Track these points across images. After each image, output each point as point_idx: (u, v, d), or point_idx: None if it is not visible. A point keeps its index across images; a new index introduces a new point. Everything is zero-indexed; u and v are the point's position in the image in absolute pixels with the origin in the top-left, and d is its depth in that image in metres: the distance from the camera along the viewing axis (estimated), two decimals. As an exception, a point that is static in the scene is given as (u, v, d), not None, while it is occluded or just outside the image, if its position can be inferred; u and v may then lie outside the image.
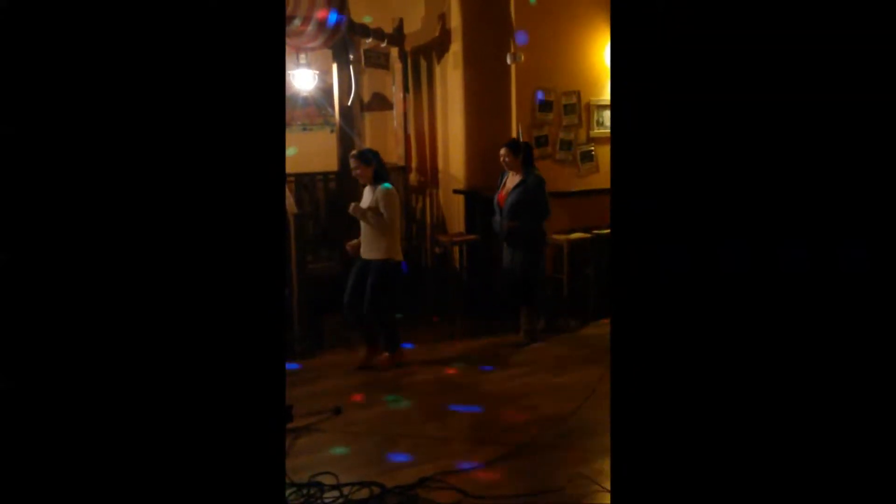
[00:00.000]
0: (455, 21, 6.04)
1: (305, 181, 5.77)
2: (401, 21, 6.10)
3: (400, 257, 4.73)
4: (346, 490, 3.05)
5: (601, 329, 5.48)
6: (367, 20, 5.86)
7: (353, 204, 4.62)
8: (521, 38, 5.81)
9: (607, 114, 6.21)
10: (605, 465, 3.26)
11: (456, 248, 6.10)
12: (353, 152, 4.80)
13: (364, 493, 3.04)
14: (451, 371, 4.69)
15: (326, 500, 3.00)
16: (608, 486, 3.03)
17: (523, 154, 5.10)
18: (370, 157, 4.64)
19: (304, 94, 6.11)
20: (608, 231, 5.84)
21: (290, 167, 4.67)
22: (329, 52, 5.63)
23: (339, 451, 3.52)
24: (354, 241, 4.77)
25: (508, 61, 5.83)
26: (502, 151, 5.11)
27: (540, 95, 5.92)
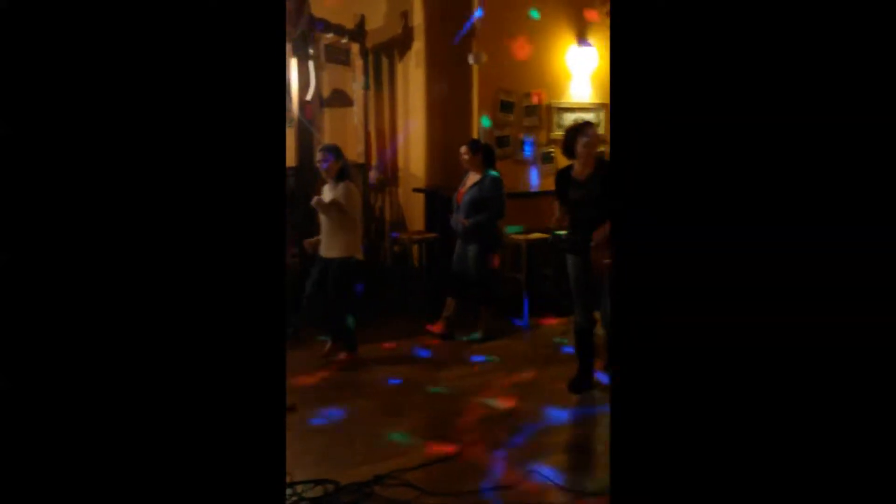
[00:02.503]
0: (417, 19, 6.03)
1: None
2: (362, 17, 6.07)
3: (360, 255, 4.68)
4: (299, 488, 3.01)
5: (559, 327, 5.53)
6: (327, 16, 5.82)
7: (316, 197, 4.56)
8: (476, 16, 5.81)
9: (567, 116, 6.28)
10: (560, 460, 3.29)
11: (415, 247, 6.09)
12: (324, 145, 4.75)
13: (318, 491, 3.00)
14: (409, 368, 4.68)
15: (279, 498, 2.96)
16: (562, 482, 3.06)
17: (482, 153, 5.13)
18: (341, 153, 4.61)
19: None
20: (565, 232, 5.90)
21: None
22: (289, 46, 5.56)
23: (295, 446, 3.47)
24: (313, 239, 4.72)
25: (470, 61, 5.85)
26: (462, 150, 5.13)
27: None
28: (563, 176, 4.11)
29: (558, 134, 6.23)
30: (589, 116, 6.41)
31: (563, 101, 6.27)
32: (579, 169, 4.02)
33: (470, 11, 5.89)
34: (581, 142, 3.92)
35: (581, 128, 4.00)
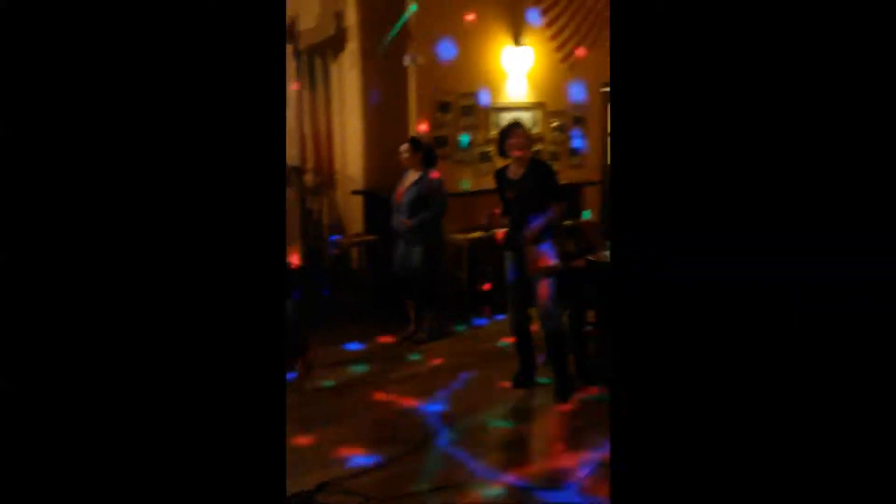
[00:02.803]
0: (351, 20, 5.98)
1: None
2: (294, 18, 5.98)
3: (295, 264, 4.57)
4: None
5: (499, 326, 5.57)
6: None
7: None
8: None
9: (504, 115, 6.33)
10: (500, 458, 3.31)
11: (355, 250, 6.04)
12: None
13: (259, 503, 2.94)
14: (349, 371, 4.63)
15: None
16: (503, 479, 3.08)
17: (423, 152, 5.11)
18: None
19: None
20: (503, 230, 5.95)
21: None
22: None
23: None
24: None
25: (406, 62, 5.83)
26: (402, 148, 5.10)
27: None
28: (500, 176, 4.16)
29: (496, 134, 6.27)
30: (526, 115, 6.48)
31: (499, 100, 6.31)
32: (514, 168, 4.07)
33: (404, 14, 5.87)
34: (509, 143, 3.98)
35: (510, 129, 4.07)
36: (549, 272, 3.92)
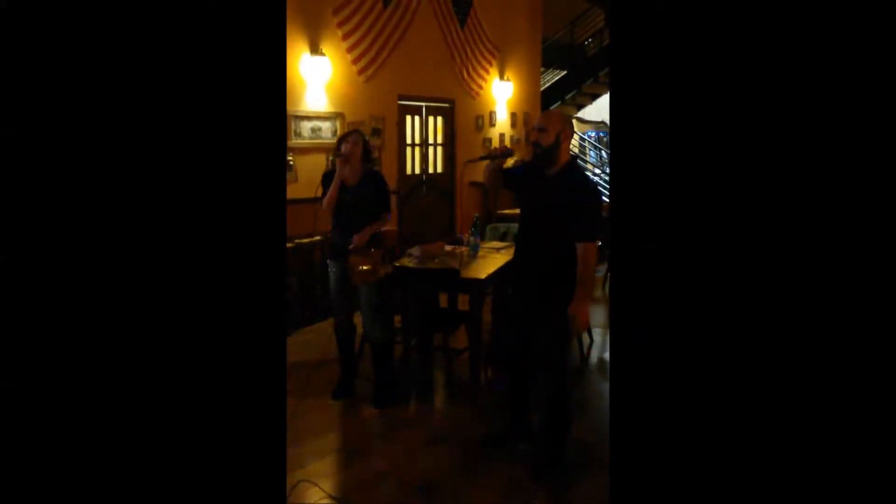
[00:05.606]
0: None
1: None
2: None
3: None
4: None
5: (305, 336, 5.56)
6: None
7: None
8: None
9: (305, 124, 6.33)
10: (322, 467, 3.35)
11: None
12: None
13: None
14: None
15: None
16: (327, 488, 3.12)
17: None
18: None
19: None
20: (308, 240, 5.96)
21: None
22: None
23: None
24: None
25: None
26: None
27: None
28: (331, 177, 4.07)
29: (296, 142, 6.25)
30: (325, 125, 6.53)
31: (299, 109, 6.29)
32: (349, 174, 4.02)
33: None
34: (343, 149, 3.95)
35: (348, 135, 4.05)
36: (373, 279, 3.97)
